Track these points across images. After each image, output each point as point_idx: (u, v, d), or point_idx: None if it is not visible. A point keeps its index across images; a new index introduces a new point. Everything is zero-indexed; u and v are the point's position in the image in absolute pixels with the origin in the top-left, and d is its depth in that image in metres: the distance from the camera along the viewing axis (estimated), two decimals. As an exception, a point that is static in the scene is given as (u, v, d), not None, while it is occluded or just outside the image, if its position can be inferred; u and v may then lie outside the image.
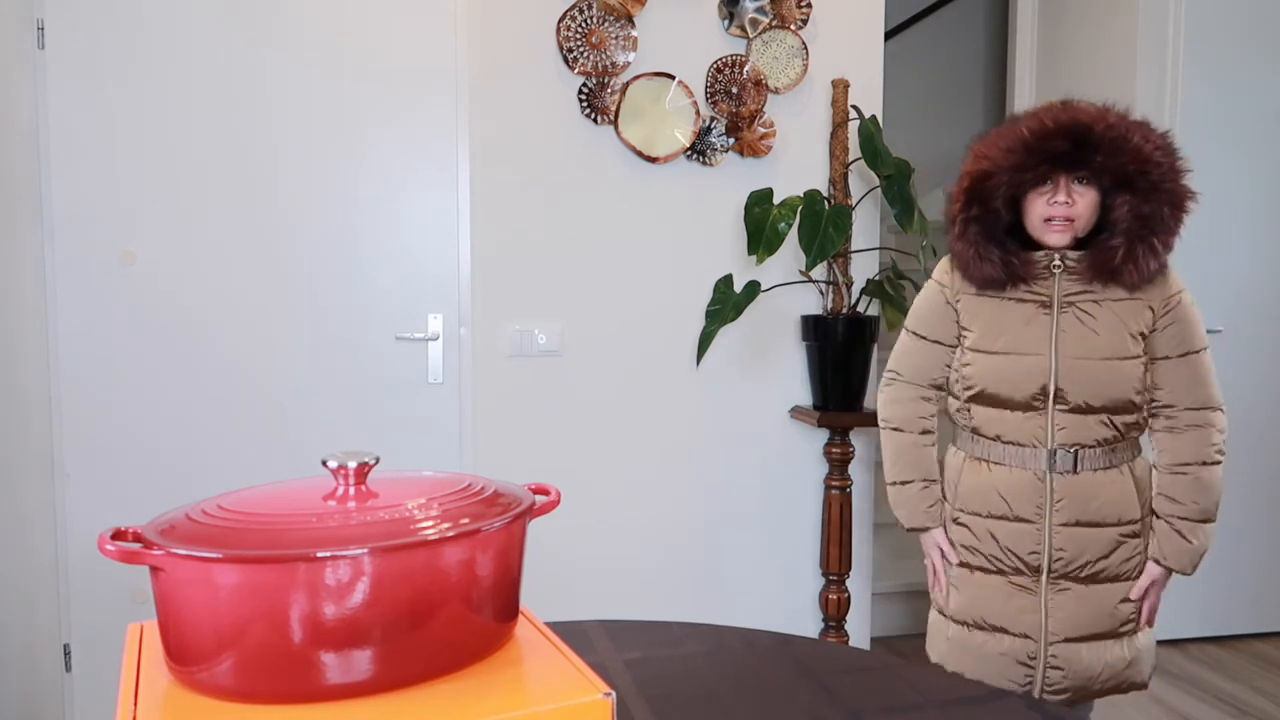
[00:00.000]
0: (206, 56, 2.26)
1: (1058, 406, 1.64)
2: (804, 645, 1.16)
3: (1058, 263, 1.63)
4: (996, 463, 1.70)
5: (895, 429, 1.80)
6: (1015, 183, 1.60)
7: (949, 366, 1.77)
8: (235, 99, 2.28)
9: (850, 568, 2.55)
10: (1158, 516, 1.69)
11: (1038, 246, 1.65)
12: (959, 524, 1.75)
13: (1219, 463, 1.66)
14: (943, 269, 1.77)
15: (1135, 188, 1.56)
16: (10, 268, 2.13)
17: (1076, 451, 1.65)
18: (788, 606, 2.68)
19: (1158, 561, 1.68)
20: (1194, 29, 3.01)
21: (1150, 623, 1.75)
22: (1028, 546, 1.68)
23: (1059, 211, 1.59)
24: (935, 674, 1.09)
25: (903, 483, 1.80)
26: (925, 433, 1.79)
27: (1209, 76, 3.02)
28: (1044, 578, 1.68)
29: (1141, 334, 1.63)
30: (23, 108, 2.17)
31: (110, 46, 2.21)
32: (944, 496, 1.83)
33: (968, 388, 1.72)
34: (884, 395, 1.84)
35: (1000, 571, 1.71)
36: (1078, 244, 1.64)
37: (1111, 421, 1.64)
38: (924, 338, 1.78)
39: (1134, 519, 1.67)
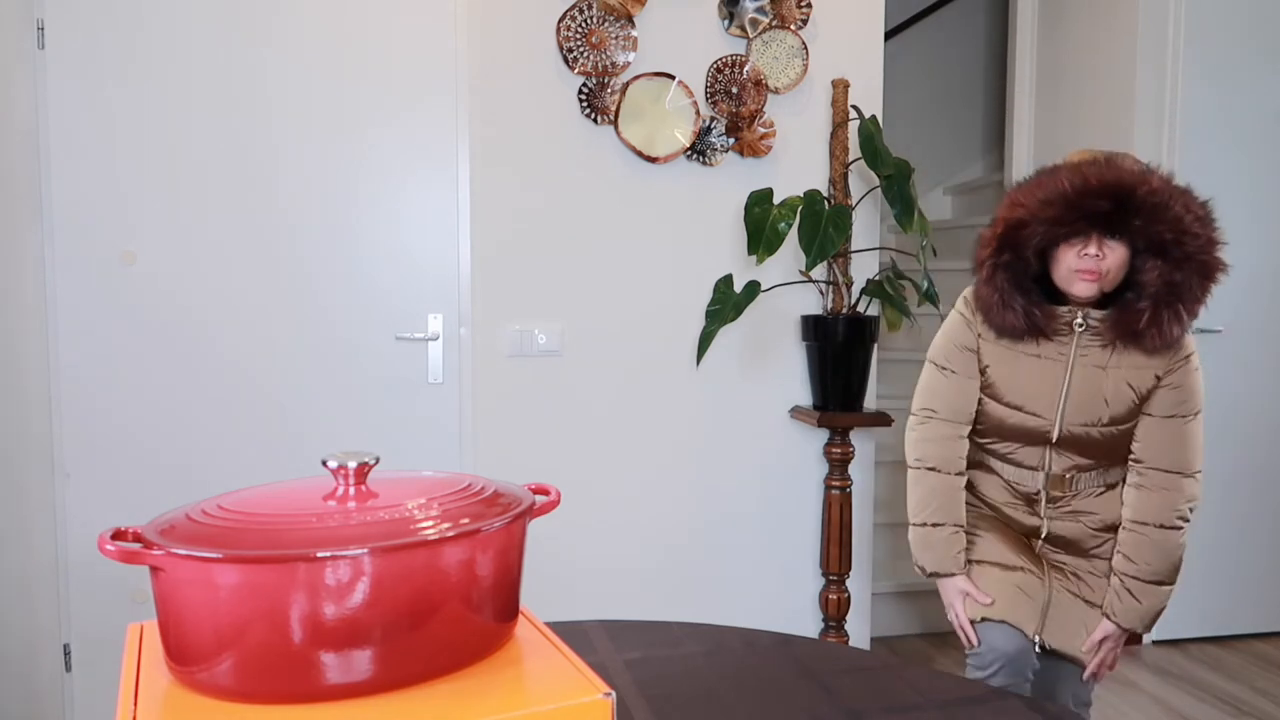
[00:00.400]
0: (206, 56, 2.26)
1: (1055, 450, 1.71)
2: (804, 645, 1.16)
3: (1080, 321, 1.64)
4: (995, 471, 1.79)
5: (931, 469, 1.76)
6: (1050, 236, 1.59)
7: (975, 400, 1.76)
8: (235, 99, 2.28)
9: (850, 568, 2.55)
10: (1113, 573, 1.71)
11: (1061, 298, 1.65)
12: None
13: (1180, 528, 1.67)
14: (968, 305, 1.76)
15: (1168, 255, 1.56)
16: (10, 268, 2.13)
17: (1073, 475, 1.73)
18: (788, 606, 2.68)
19: (1108, 617, 1.70)
20: (1194, 29, 3.01)
21: (1098, 677, 1.75)
22: (1024, 523, 1.78)
23: (1089, 266, 1.58)
24: (935, 674, 1.09)
25: (934, 525, 1.75)
26: (960, 474, 1.76)
27: (1209, 76, 3.02)
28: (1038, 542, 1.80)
29: (1144, 397, 1.65)
30: (23, 108, 2.17)
31: (110, 46, 2.21)
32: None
33: (978, 424, 1.77)
34: (918, 433, 1.80)
35: (1003, 523, 1.79)
36: (1101, 301, 1.65)
37: (1106, 457, 1.71)
38: (955, 373, 1.76)
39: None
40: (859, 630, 2.71)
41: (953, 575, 1.73)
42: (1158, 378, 1.64)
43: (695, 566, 2.62)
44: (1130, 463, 1.70)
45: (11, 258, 2.14)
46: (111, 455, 2.28)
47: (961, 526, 1.75)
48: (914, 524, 1.78)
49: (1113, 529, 1.74)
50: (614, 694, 0.64)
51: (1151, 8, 3.03)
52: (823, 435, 2.64)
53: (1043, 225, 1.58)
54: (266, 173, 2.31)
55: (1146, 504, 1.67)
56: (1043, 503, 1.75)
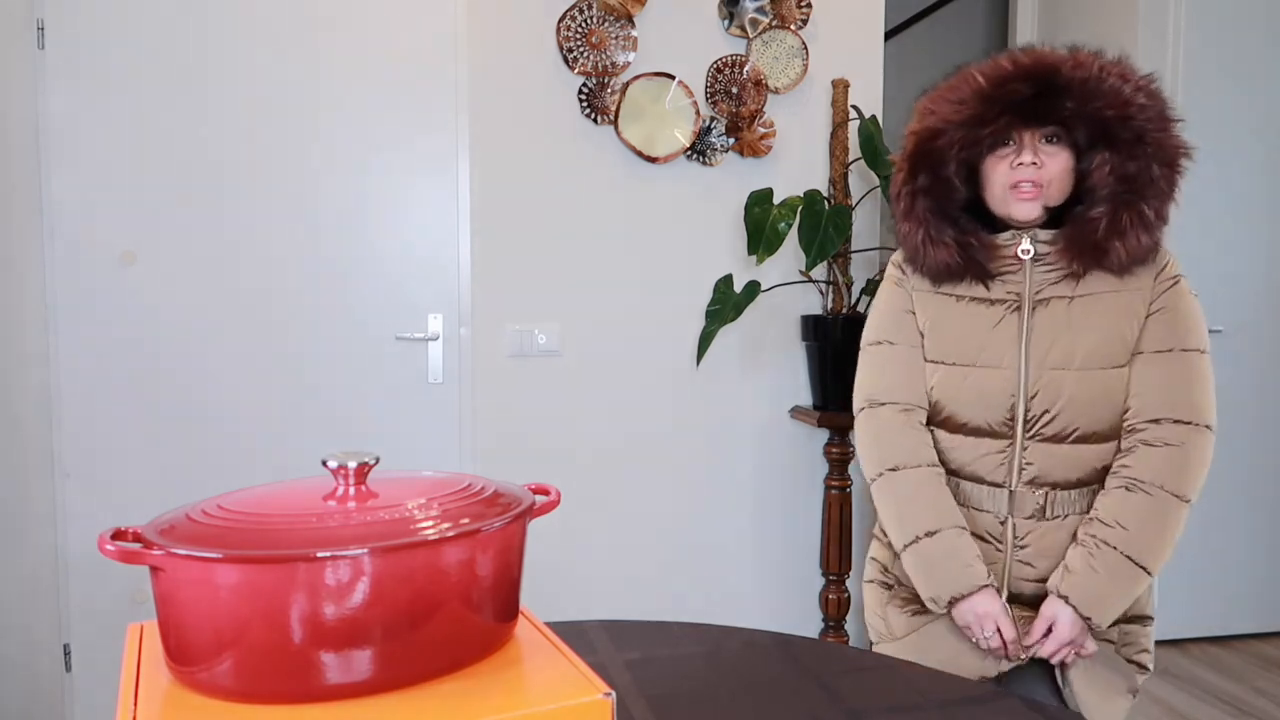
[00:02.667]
0: (206, 56, 2.26)
1: (1027, 434, 1.33)
2: (804, 645, 1.16)
3: (1026, 247, 1.33)
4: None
5: (892, 469, 1.40)
6: (969, 141, 1.31)
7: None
8: (235, 98, 2.28)
9: (850, 568, 2.55)
10: (1077, 541, 1.31)
11: (1002, 227, 1.37)
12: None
13: (1187, 503, 1.28)
14: (898, 259, 1.47)
15: (1116, 141, 1.28)
16: (10, 268, 2.13)
17: (1046, 493, 1.34)
18: (788, 606, 2.68)
19: (1056, 593, 1.31)
20: (1194, 27, 3.01)
21: (1059, 658, 1.33)
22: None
23: (1025, 175, 1.30)
24: (935, 674, 1.09)
25: (927, 534, 1.35)
26: (933, 466, 1.39)
27: (1209, 75, 3.02)
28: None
29: (1135, 331, 1.32)
30: (23, 108, 2.17)
31: (110, 46, 2.21)
32: (880, 536, 1.49)
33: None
34: (866, 432, 1.44)
35: (940, 619, 1.41)
36: (1050, 221, 1.35)
37: (1092, 456, 1.33)
38: (895, 344, 1.44)
39: None
40: (859, 630, 2.71)
41: (976, 593, 1.32)
42: (1144, 309, 1.32)
43: (695, 566, 2.62)
44: (1124, 431, 1.32)
45: (11, 258, 2.13)
46: (111, 455, 2.28)
47: (964, 528, 1.35)
48: (902, 548, 1.38)
49: None
50: (614, 694, 0.64)
51: (1152, 7, 3.03)
52: (823, 435, 2.64)
53: (959, 130, 1.30)
54: (266, 173, 2.31)
55: (1149, 461, 1.29)
56: (1009, 543, 1.36)
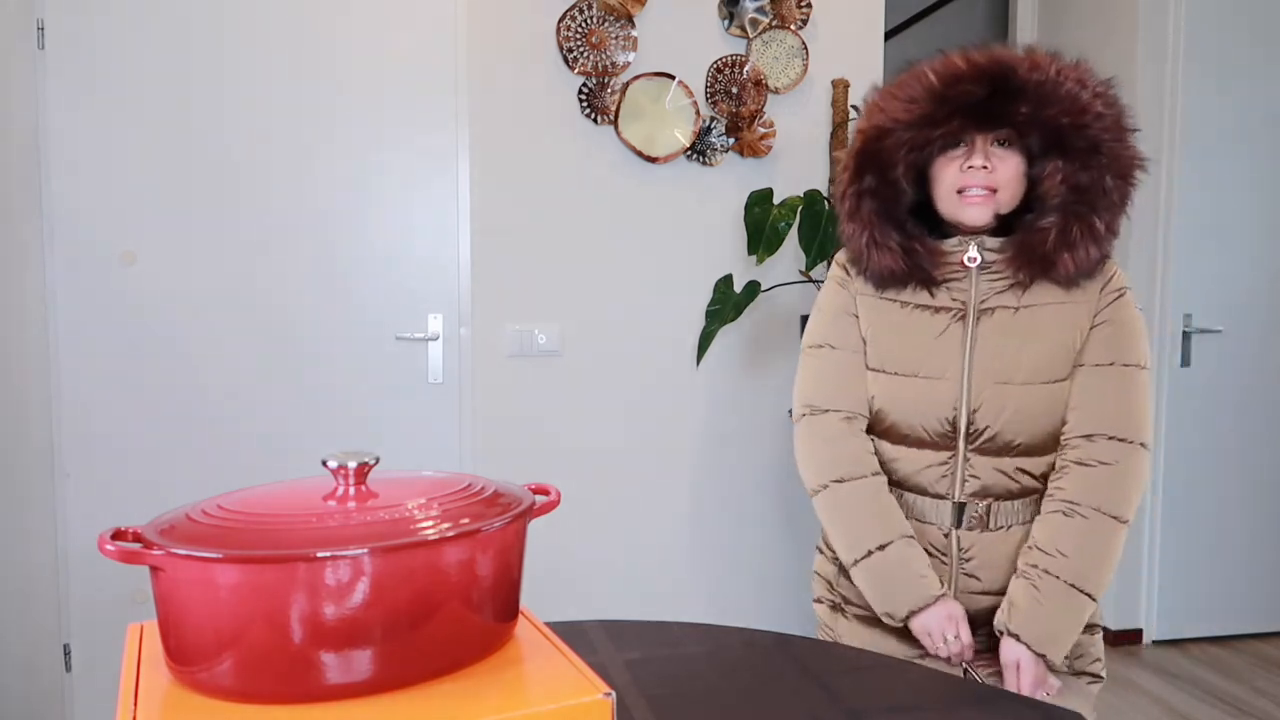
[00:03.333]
0: (206, 56, 2.26)
1: (969, 446, 1.30)
2: (804, 645, 1.16)
3: (973, 255, 1.29)
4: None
5: (837, 480, 1.35)
6: (919, 142, 1.26)
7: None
8: (235, 99, 2.28)
9: (850, 568, 2.55)
10: (1018, 572, 1.28)
11: (950, 233, 1.33)
12: (849, 577, 1.40)
13: (1125, 524, 1.25)
14: (842, 258, 1.42)
15: (1070, 149, 1.24)
16: (10, 268, 2.13)
17: (989, 505, 1.31)
18: (788, 606, 2.68)
19: (1004, 632, 1.26)
20: (1194, 29, 3.01)
21: (1033, 692, 1.28)
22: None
23: (975, 180, 1.26)
24: (935, 674, 1.09)
25: (878, 548, 1.31)
26: (877, 474, 1.35)
27: (1209, 77, 3.02)
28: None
29: (1079, 344, 1.30)
30: (23, 108, 2.17)
31: (110, 46, 2.21)
32: (825, 550, 1.45)
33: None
34: (804, 442, 1.40)
35: (893, 630, 1.37)
36: (1000, 229, 1.31)
37: (1033, 467, 1.31)
38: (835, 348, 1.39)
39: None
40: (859, 630, 2.71)
41: (933, 605, 1.29)
42: (1089, 321, 1.29)
43: (695, 566, 2.62)
44: (1061, 445, 1.30)
45: (11, 258, 2.13)
46: (111, 455, 2.28)
47: (912, 538, 1.32)
48: (853, 563, 1.33)
49: None
50: (614, 694, 0.64)
51: (1152, 8, 3.03)
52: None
53: (908, 130, 1.25)
54: (266, 173, 2.31)
55: (1085, 481, 1.26)
56: (954, 555, 1.33)
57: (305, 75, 2.31)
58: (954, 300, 1.31)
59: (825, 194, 2.55)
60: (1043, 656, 1.24)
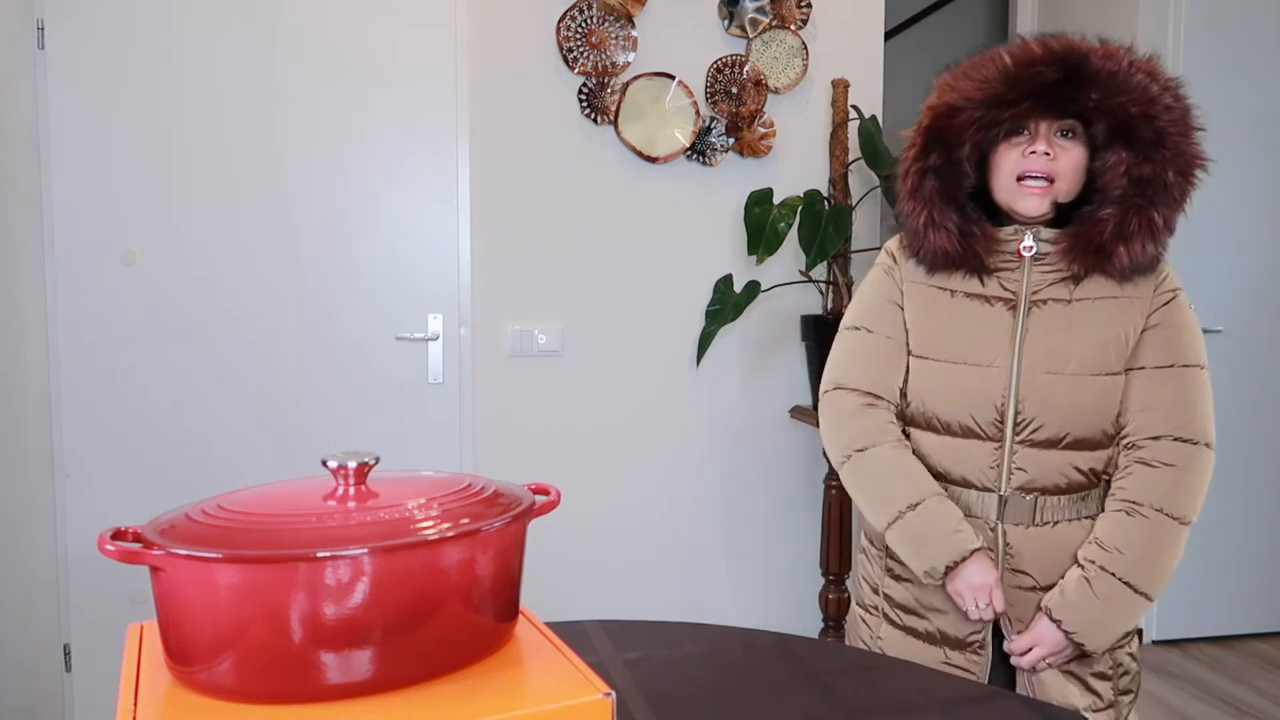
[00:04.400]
0: (206, 56, 2.26)
1: (1016, 438, 1.28)
2: (804, 645, 1.16)
3: (1029, 244, 1.29)
4: None
5: (860, 450, 1.35)
6: (987, 122, 1.26)
7: (904, 370, 1.38)
8: (235, 99, 2.28)
9: (850, 568, 2.55)
10: (1076, 563, 1.28)
11: (1005, 223, 1.33)
12: (894, 577, 1.40)
13: (1187, 526, 1.25)
14: (889, 252, 1.42)
15: (1135, 141, 1.24)
16: (10, 268, 2.13)
17: (1035, 499, 1.29)
18: (788, 606, 2.68)
19: (1049, 615, 1.27)
20: (1194, 29, 3.01)
21: (1031, 666, 1.30)
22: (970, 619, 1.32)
23: (1036, 166, 1.26)
24: (935, 674, 1.09)
25: (910, 508, 1.30)
26: (900, 441, 1.35)
27: (1209, 77, 3.02)
28: (990, 656, 1.33)
29: (1132, 341, 1.29)
30: (23, 108, 2.17)
31: (110, 46, 2.21)
32: (873, 546, 1.43)
33: (906, 405, 1.38)
34: (827, 415, 1.41)
35: (941, 643, 1.35)
36: (1057, 219, 1.31)
37: (1083, 462, 1.30)
38: (871, 332, 1.39)
39: None
40: (859, 630, 2.71)
41: (970, 559, 1.27)
42: (1142, 320, 1.28)
43: (695, 566, 2.62)
44: (1122, 450, 1.30)
45: (11, 258, 2.13)
46: (111, 455, 2.28)
47: (943, 494, 1.31)
48: (885, 527, 1.33)
49: None
50: (614, 694, 0.64)
51: (1152, 7, 3.03)
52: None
53: (978, 109, 1.25)
54: (266, 172, 2.31)
55: (1149, 482, 1.25)
56: (1000, 550, 1.31)
57: (304, 75, 2.31)
58: (1005, 290, 1.31)
59: (825, 194, 2.55)
60: (1080, 645, 1.25)
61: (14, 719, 2.14)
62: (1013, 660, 1.30)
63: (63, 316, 2.24)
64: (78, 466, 2.27)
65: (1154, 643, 3.12)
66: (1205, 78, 3.01)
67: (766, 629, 2.31)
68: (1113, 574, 1.24)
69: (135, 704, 0.63)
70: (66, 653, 2.30)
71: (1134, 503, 1.26)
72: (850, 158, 2.55)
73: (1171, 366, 1.28)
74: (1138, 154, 1.24)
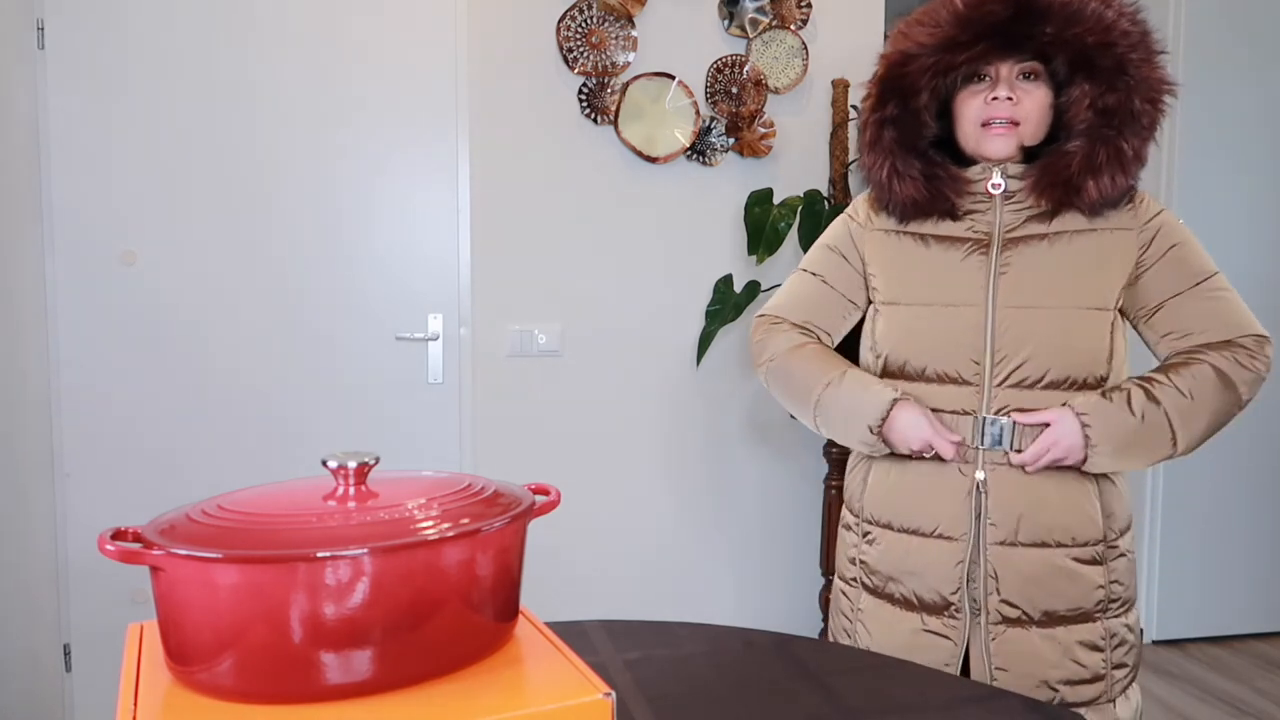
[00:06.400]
0: (206, 56, 2.26)
1: (995, 382, 1.25)
2: (804, 645, 1.16)
3: (997, 181, 1.27)
4: (915, 461, 1.30)
5: (787, 350, 1.38)
6: (942, 67, 1.25)
7: (844, 320, 1.41)
8: (235, 98, 2.28)
9: (850, 568, 2.55)
10: (1115, 388, 1.24)
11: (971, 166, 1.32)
12: (869, 542, 1.37)
13: (1240, 392, 1.23)
14: (861, 201, 1.43)
15: (1096, 71, 1.22)
16: (10, 268, 2.13)
17: (1015, 425, 1.24)
18: (788, 606, 2.68)
19: (1070, 406, 1.23)
20: (1194, 31, 3.01)
21: (1028, 462, 1.25)
22: (950, 579, 1.28)
23: (999, 111, 1.25)
24: (935, 674, 1.09)
25: (826, 387, 1.32)
26: (820, 345, 1.40)
27: (1209, 80, 3.02)
28: (966, 619, 1.29)
29: (1121, 276, 1.25)
30: (23, 108, 2.17)
31: (110, 46, 2.21)
32: (851, 513, 1.42)
33: (877, 355, 1.34)
34: (754, 333, 1.46)
35: (918, 609, 1.33)
36: (1027, 160, 1.30)
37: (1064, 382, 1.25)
38: (816, 276, 1.41)
39: (1092, 540, 1.27)
40: (859, 630, 2.71)
41: (894, 410, 1.26)
42: (1133, 255, 1.26)
43: (695, 566, 2.62)
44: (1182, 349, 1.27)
45: (11, 258, 2.13)
46: (111, 455, 2.28)
47: (854, 367, 1.35)
48: (813, 405, 1.33)
49: (1080, 545, 1.26)
50: (614, 694, 0.64)
51: (1152, 10, 3.02)
52: (822, 435, 2.64)
53: (932, 54, 1.24)
54: (267, 173, 2.31)
55: (1217, 355, 1.24)
56: (979, 505, 1.26)
57: (304, 75, 2.31)
58: (977, 231, 1.29)
59: (825, 194, 2.55)
60: (1087, 454, 1.22)
61: (14, 719, 2.14)
62: (1013, 459, 1.25)
63: (62, 316, 2.24)
64: (78, 466, 2.27)
65: (1154, 643, 3.12)
66: (1205, 77, 3.01)
67: (766, 629, 2.31)
68: (1158, 402, 1.21)
69: (135, 704, 0.63)
70: (66, 653, 2.30)
71: (1192, 354, 1.24)
72: (850, 158, 2.55)
73: (1194, 287, 1.26)
74: (1100, 84, 1.22)
